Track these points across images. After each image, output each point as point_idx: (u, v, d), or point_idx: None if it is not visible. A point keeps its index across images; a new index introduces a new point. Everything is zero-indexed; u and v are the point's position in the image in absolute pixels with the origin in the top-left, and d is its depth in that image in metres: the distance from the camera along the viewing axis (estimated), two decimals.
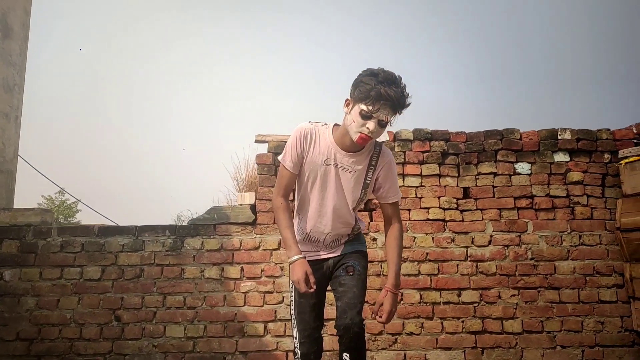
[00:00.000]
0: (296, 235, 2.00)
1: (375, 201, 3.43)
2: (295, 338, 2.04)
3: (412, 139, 3.61)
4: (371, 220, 3.52)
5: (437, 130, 3.63)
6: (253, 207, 3.55)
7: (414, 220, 3.52)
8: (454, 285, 3.44)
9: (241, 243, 3.48)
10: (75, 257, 3.44)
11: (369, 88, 1.73)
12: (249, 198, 3.60)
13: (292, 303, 2.07)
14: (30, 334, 3.34)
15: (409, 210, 3.53)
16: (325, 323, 2.17)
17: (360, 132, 1.78)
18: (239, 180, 5.35)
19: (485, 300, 3.42)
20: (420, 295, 3.43)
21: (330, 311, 2.50)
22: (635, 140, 3.59)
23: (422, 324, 3.39)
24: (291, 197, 2.13)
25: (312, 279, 1.85)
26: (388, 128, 1.85)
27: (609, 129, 3.64)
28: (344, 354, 1.87)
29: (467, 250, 3.48)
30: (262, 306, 3.40)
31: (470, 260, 3.47)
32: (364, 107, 1.75)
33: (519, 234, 3.51)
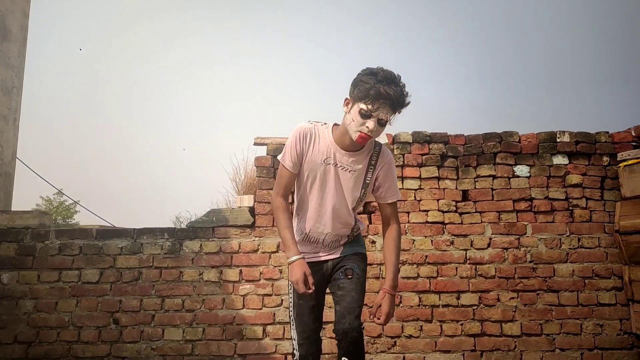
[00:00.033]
0: (295, 236, 1.99)
1: (375, 204, 3.43)
2: (294, 340, 2.03)
3: (411, 141, 3.61)
4: (370, 223, 3.52)
5: (436, 133, 3.63)
6: (252, 210, 3.55)
7: (413, 222, 3.52)
8: (453, 288, 3.43)
9: (240, 246, 3.47)
10: (73, 259, 3.43)
11: (368, 87, 1.73)
12: (247, 200, 3.60)
13: (291, 304, 2.06)
14: (29, 337, 3.33)
15: (408, 212, 3.53)
16: (324, 326, 2.17)
17: (360, 131, 1.78)
18: (238, 181, 5.33)
19: (484, 303, 3.42)
20: (419, 298, 3.43)
21: (329, 314, 2.50)
22: (634, 143, 3.59)
23: (421, 326, 3.39)
24: (290, 200, 2.13)
25: (310, 280, 1.84)
26: (387, 128, 1.85)
27: (607, 132, 3.65)
28: (343, 358, 1.86)
29: (466, 253, 3.48)
30: (260, 309, 3.39)
31: (469, 263, 3.47)
32: (363, 106, 1.75)
33: (518, 236, 3.51)
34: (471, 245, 3.49)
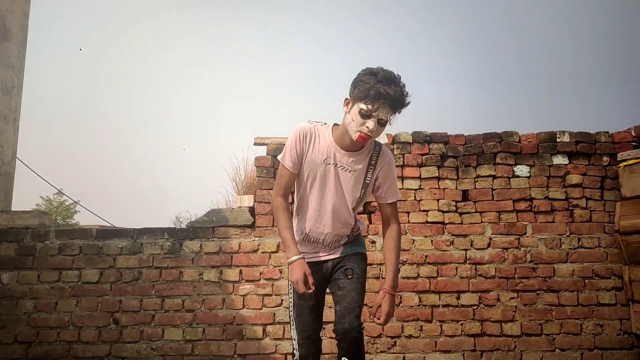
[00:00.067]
0: (295, 236, 1.98)
1: (374, 204, 3.43)
2: (294, 339, 2.03)
3: (411, 141, 3.61)
4: (370, 223, 3.52)
5: (436, 133, 3.62)
6: (252, 210, 3.55)
7: (413, 222, 3.52)
8: (453, 288, 3.43)
9: (240, 246, 3.47)
10: (73, 259, 3.43)
11: (368, 87, 1.73)
12: (247, 201, 3.60)
13: (291, 304, 2.05)
14: (29, 337, 3.33)
15: (408, 212, 3.53)
16: (324, 326, 2.17)
17: (360, 131, 1.78)
18: (238, 181, 5.33)
19: (484, 303, 3.42)
20: (419, 298, 3.43)
21: (329, 314, 2.50)
22: (634, 143, 3.59)
23: (421, 326, 3.39)
24: (290, 200, 2.13)
25: (310, 280, 1.84)
26: (387, 128, 1.85)
27: (607, 132, 3.65)
28: (343, 358, 1.86)
29: (466, 253, 3.48)
30: (260, 309, 3.39)
31: (469, 263, 3.47)
32: (363, 106, 1.75)
33: (518, 236, 3.51)
34: (471, 245, 3.49)
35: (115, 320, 3.37)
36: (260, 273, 3.44)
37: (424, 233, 3.51)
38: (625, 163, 3.47)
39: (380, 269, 3.43)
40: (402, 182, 3.54)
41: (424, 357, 3.35)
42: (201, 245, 3.47)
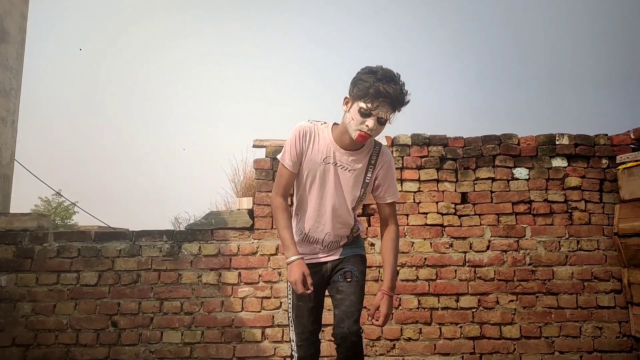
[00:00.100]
0: (295, 237, 1.98)
1: (374, 206, 3.42)
2: (293, 341, 2.02)
3: (410, 144, 3.60)
4: (369, 225, 3.52)
5: (435, 136, 3.62)
6: (251, 212, 3.54)
7: (412, 225, 3.51)
8: (452, 291, 3.43)
9: (239, 248, 3.46)
10: (71, 262, 3.42)
11: (367, 86, 1.72)
12: (246, 203, 3.59)
13: (290, 306, 2.04)
14: (27, 340, 3.32)
15: (407, 215, 3.52)
16: (323, 328, 2.16)
17: (360, 130, 1.78)
18: (237, 182, 5.32)
19: (483, 306, 3.42)
20: (419, 301, 3.42)
21: (328, 316, 2.49)
22: (632, 146, 3.59)
23: (420, 329, 3.38)
24: (290, 202, 2.12)
25: (309, 280, 1.83)
26: (386, 128, 1.84)
27: (606, 135, 3.65)
28: None
29: (465, 256, 3.48)
30: (259, 312, 3.39)
31: (468, 266, 3.47)
32: (362, 104, 1.74)
33: (517, 239, 3.50)
34: (470, 247, 3.49)
35: (114, 323, 3.36)
36: (259, 275, 3.43)
37: (423, 235, 3.50)
38: (624, 166, 3.47)
39: (379, 271, 3.43)
40: (401, 185, 3.53)
41: None
42: (200, 247, 3.46)
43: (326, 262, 2.04)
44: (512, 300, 3.43)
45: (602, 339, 3.38)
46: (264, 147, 3.58)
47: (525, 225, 3.52)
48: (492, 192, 3.56)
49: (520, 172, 3.58)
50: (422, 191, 3.56)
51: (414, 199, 3.55)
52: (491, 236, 3.51)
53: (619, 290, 3.44)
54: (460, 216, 3.53)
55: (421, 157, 3.58)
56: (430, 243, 3.49)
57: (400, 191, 3.48)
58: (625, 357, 3.36)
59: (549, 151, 3.60)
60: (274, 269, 3.43)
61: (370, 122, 1.75)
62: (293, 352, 2.02)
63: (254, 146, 3.61)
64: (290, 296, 2.05)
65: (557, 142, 3.61)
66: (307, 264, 1.89)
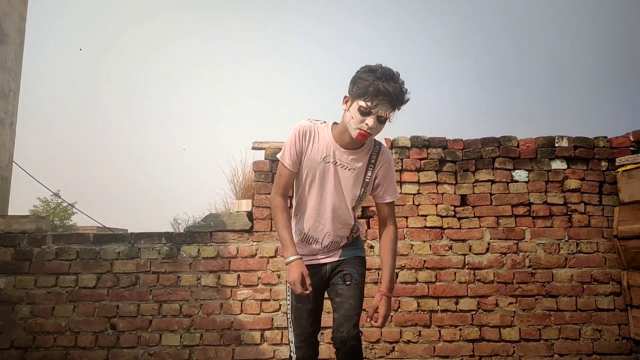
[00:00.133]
0: (294, 237, 1.97)
1: (373, 208, 3.42)
2: (292, 342, 2.02)
3: (409, 146, 3.60)
4: (369, 227, 3.51)
5: (435, 138, 3.62)
6: (250, 214, 3.54)
7: (412, 227, 3.51)
8: (452, 293, 3.43)
9: (238, 250, 3.46)
10: (70, 264, 3.41)
11: (367, 84, 1.72)
12: (245, 205, 3.59)
13: (289, 307, 2.04)
14: (25, 342, 3.31)
15: (407, 217, 3.52)
16: (322, 331, 2.16)
17: (360, 129, 1.77)
18: (236, 183, 5.32)
19: (482, 308, 3.41)
20: (418, 303, 3.42)
21: (327, 319, 2.49)
22: (632, 148, 3.59)
23: (420, 332, 3.38)
24: (289, 204, 2.11)
25: (308, 281, 1.82)
26: (386, 128, 1.83)
27: (606, 137, 3.65)
28: None
29: (464, 258, 3.48)
30: (258, 314, 3.38)
31: (467, 268, 3.46)
32: (362, 103, 1.74)
33: (516, 241, 3.50)
34: (470, 250, 3.49)
35: (113, 325, 3.35)
36: (258, 278, 3.43)
37: (423, 238, 3.50)
38: (623, 168, 3.47)
39: (378, 274, 3.42)
40: (401, 187, 3.53)
41: None
42: (199, 250, 3.46)
43: (325, 264, 2.03)
44: (511, 303, 3.42)
45: (602, 342, 3.38)
46: (263, 149, 3.58)
47: (524, 228, 3.52)
48: (491, 194, 3.56)
49: (520, 175, 3.58)
50: (421, 193, 3.55)
51: (413, 201, 3.54)
52: (490, 238, 3.50)
53: (618, 292, 3.44)
54: (459, 218, 3.53)
55: (420, 159, 3.58)
56: (430, 245, 3.49)
57: (399, 193, 3.49)
58: None
59: (549, 153, 3.60)
60: (273, 271, 3.43)
61: (370, 120, 1.75)
62: (292, 354, 2.02)
63: (253, 148, 3.61)
64: (289, 297, 2.04)
65: (556, 145, 3.61)
66: (306, 266, 1.89)
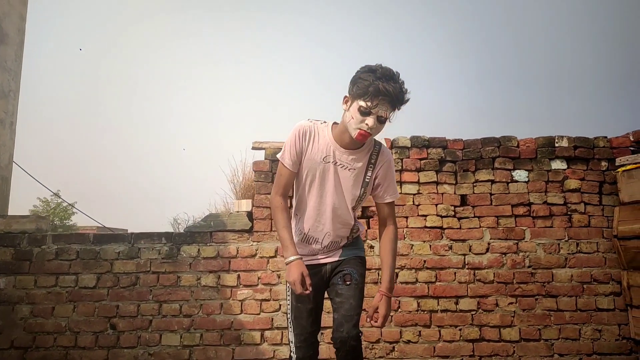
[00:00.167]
0: (294, 237, 1.97)
1: (373, 208, 3.42)
2: (292, 342, 2.02)
3: (409, 146, 3.60)
4: (369, 227, 3.51)
5: (435, 138, 3.62)
6: (250, 214, 3.54)
7: (412, 227, 3.51)
8: (452, 293, 3.43)
9: (238, 250, 3.46)
10: (70, 264, 3.41)
11: (367, 84, 1.72)
12: (245, 205, 3.59)
13: (289, 307, 2.04)
14: (25, 342, 3.31)
15: (407, 217, 3.52)
16: (322, 331, 2.16)
17: (360, 129, 1.77)
18: (236, 183, 5.32)
19: (482, 308, 3.42)
20: (418, 303, 3.42)
21: (327, 319, 2.49)
22: (632, 148, 3.59)
23: (420, 332, 3.38)
24: (289, 204, 2.11)
25: (308, 281, 1.82)
26: (386, 127, 1.83)
27: (606, 137, 3.65)
28: None
29: (464, 258, 3.48)
30: (258, 314, 3.38)
31: (467, 268, 3.46)
32: (362, 103, 1.74)
33: (516, 241, 3.50)
34: (470, 250, 3.49)
35: (113, 325, 3.35)
36: (258, 278, 3.43)
37: (423, 238, 3.50)
38: (623, 168, 3.47)
39: (378, 274, 3.42)
40: (401, 187, 3.53)
41: None
42: (199, 250, 3.46)
43: (325, 264, 2.03)
44: (511, 303, 3.42)
45: (602, 342, 3.38)
46: (263, 149, 3.58)
47: (524, 228, 3.52)
48: (491, 194, 3.56)
49: (520, 175, 3.58)
50: (421, 193, 3.55)
51: (413, 202, 3.54)
52: (490, 238, 3.51)
53: (618, 292, 3.44)
54: (459, 218, 3.53)
55: (420, 159, 3.58)
56: (430, 245, 3.49)
57: (399, 193, 3.49)
58: None
59: (549, 153, 3.60)
60: (273, 271, 3.43)
61: (370, 120, 1.75)
62: (292, 354, 2.02)
63: (253, 148, 3.61)
64: (289, 297, 2.04)
65: (556, 145, 3.61)
66: (306, 266, 1.89)
